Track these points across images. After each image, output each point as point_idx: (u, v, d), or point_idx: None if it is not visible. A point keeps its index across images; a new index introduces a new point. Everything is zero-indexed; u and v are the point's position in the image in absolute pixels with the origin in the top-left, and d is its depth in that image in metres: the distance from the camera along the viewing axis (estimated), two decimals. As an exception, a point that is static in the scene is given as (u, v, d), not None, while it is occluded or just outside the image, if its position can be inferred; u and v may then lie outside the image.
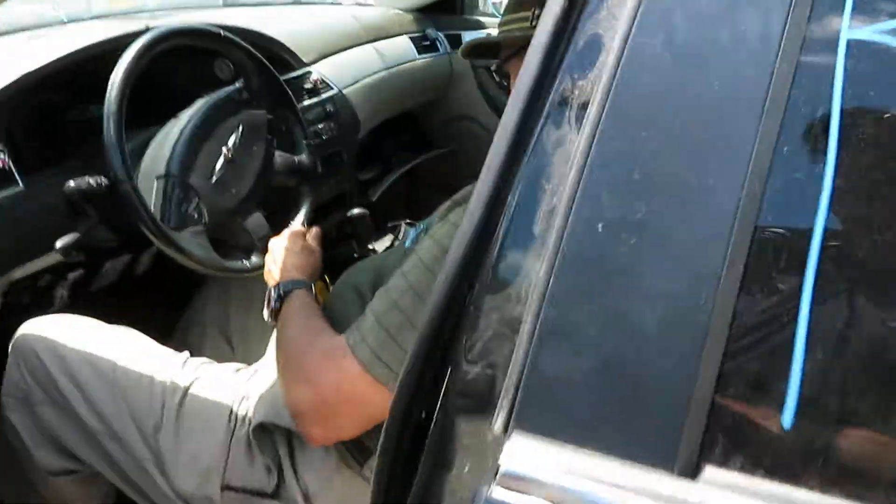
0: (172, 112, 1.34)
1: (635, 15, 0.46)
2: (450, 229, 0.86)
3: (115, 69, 1.12)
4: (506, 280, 0.49)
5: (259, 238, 1.31)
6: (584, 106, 0.46)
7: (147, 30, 1.28)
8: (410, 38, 2.23)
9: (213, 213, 1.23)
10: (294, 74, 1.72)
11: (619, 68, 0.45)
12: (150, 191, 1.19)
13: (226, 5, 2.18)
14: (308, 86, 1.74)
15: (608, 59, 0.46)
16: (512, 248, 0.48)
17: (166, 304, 1.70)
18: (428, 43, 2.27)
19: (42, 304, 1.40)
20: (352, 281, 1.07)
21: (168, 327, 1.58)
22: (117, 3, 1.82)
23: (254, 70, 1.36)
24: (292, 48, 1.74)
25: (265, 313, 1.05)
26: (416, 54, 2.21)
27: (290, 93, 1.44)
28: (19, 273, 1.21)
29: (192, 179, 1.21)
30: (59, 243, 1.15)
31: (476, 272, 0.51)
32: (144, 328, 1.80)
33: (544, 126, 0.49)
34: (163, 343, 1.59)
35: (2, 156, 1.15)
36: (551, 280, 0.44)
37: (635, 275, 0.42)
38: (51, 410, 1.09)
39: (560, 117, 0.48)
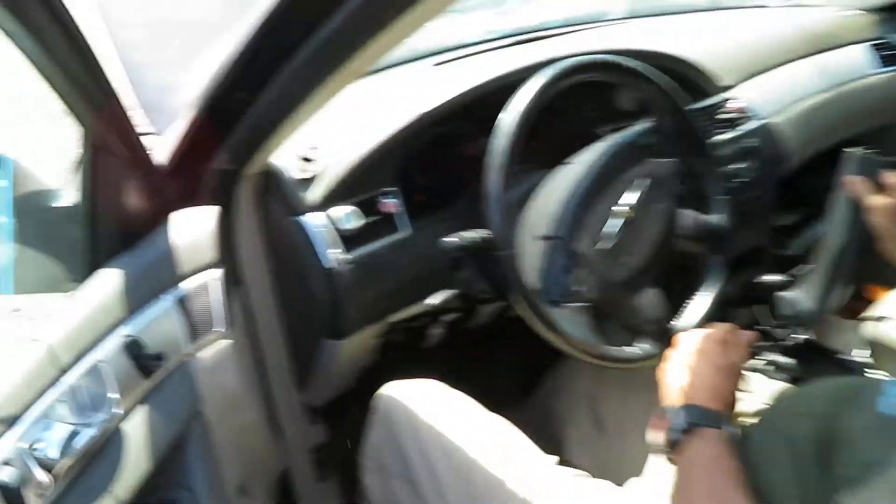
0: (562, 154, 1.16)
1: None
2: None
3: (505, 114, 0.96)
4: None
5: (650, 321, 1.05)
6: None
7: (548, 62, 1.10)
8: (869, 46, 1.71)
9: (600, 286, 1.01)
10: (708, 103, 1.41)
11: None
12: (530, 251, 1.02)
13: (630, 16, 1.93)
14: (725, 116, 1.40)
15: None
16: None
17: (538, 349, 1.56)
18: (894, 52, 1.73)
19: (417, 342, 1.36)
20: (782, 429, 0.75)
21: (536, 374, 1.43)
22: (534, 19, 1.72)
23: (666, 108, 1.10)
24: (710, 69, 1.43)
25: (653, 436, 0.79)
26: (876, 67, 1.69)
27: (705, 137, 1.13)
28: (399, 316, 1.16)
29: (580, 244, 1.00)
30: (433, 300, 1.06)
31: None
32: (512, 371, 1.71)
33: None
34: (523, 400, 1.47)
35: (394, 199, 1.09)
36: None
37: None
38: (404, 487, 1.00)
39: None
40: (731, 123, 1.41)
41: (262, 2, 0.83)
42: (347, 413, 1.33)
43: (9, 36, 0.69)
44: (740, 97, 1.45)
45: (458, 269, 1.09)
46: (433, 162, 1.25)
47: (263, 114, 0.90)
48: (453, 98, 1.16)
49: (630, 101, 1.34)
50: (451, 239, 1.02)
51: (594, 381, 1.20)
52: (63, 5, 0.69)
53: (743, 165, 1.40)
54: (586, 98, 1.31)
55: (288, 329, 1.14)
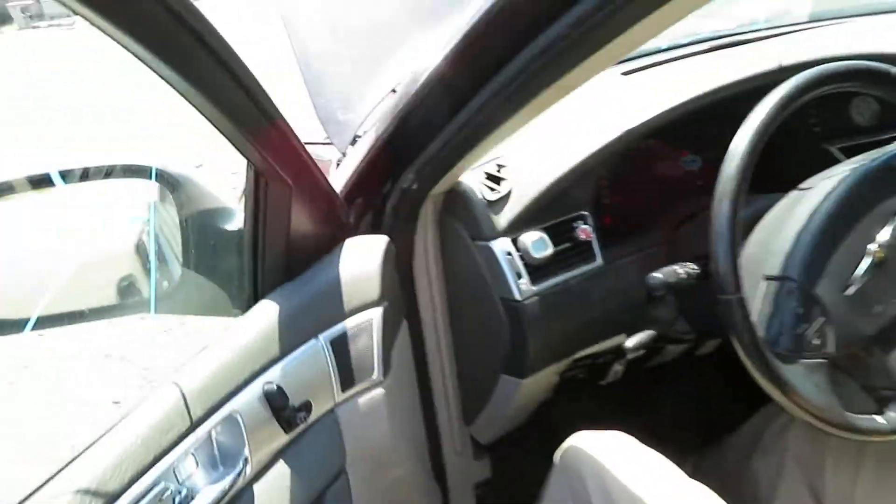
0: (787, 174, 0.98)
1: None
2: None
3: (741, 134, 0.81)
4: None
5: (905, 384, 0.85)
6: None
7: (779, 70, 0.94)
8: None
9: (842, 339, 0.82)
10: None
11: None
12: (754, 292, 0.86)
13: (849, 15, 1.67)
14: None
15: None
16: None
17: (728, 393, 1.37)
18: None
19: (596, 378, 1.23)
20: None
21: (723, 420, 1.25)
22: (733, 21, 1.53)
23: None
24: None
25: None
26: None
27: None
28: (585, 352, 1.04)
29: (820, 289, 0.82)
30: (631, 342, 0.92)
31: None
32: (695, 413, 1.53)
33: None
34: (705, 447, 1.29)
35: (586, 225, 0.97)
36: None
37: None
38: (587, 549, 0.87)
39: None
40: None
41: (463, 10, 0.74)
42: (515, 449, 1.23)
43: (148, 66, 0.58)
44: None
45: (658, 306, 0.95)
46: (628, 183, 1.11)
47: (459, 131, 0.81)
48: (662, 114, 1.02)
49: (868, 115, 1.14)
50: (657, 275, 0.88)
51: (813, 445, 1.01)
52: (209, 27, 0.57)
53: None
54: (813, 110, 1.12)
55: (460, 361, 1.05)
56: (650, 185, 1.13)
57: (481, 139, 0.83)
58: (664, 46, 1.47)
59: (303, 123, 0.90)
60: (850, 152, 1.10)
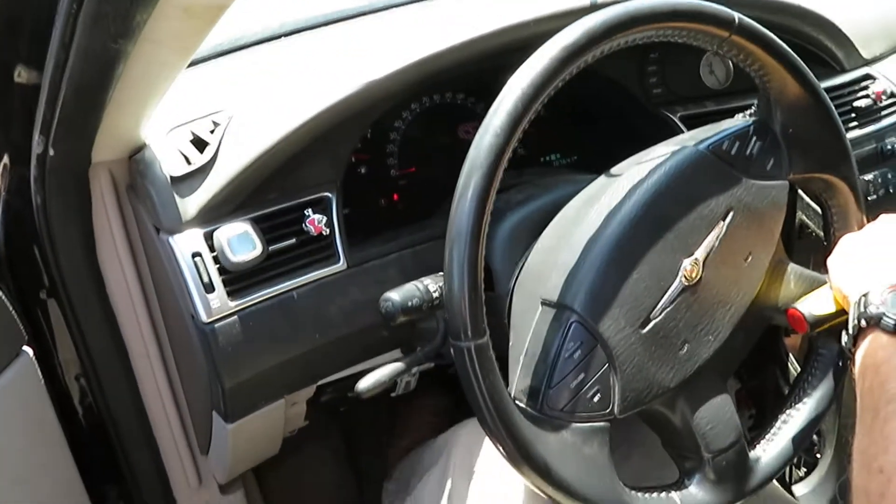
0: (602, 143, 0.71)
1: None
2: None
3: (501, 100, 0.50)
4: None
5: (715, 450, 0.60)
6: None
7: (594, 7, 0.64)
8: None
9: (633, 394, 0.56)
10: (838, 82, 0.91)
11: None
12: (529, 317, 0.58)
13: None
14: (862, 102, 0.91)
15: None
16: None
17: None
18: None
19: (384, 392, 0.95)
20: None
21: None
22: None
23: (790, 91, 0.61)
24: (850, 34, 0.91)
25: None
26: None
27: (847, 141, 0.64)
28: (335, 377, 0.75)
29: (606, 326, 0.55)
30: (362, 385, 0.63)
31: None
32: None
33: None
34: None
35: (319, 214, 0.66)
36: None
37: None
38: None
39: None
40: (867, 114, 0.91)
41: None
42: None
43: None
44: (884, 75, 0.94)
45: (425, 319, 0.67)
46: (423, 148, 0.81)
47: (58, 85, 0.49)
48: (449, 50, 0.70)
49: (723, 75, 0.86)
50: (392, 296, 0.60)
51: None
52: None
53: (873, 176, 0.91)
54: (653, 66, 0.83)
55: (184, 382, 0.76)
56: (438, 150, 0.84)
57: (103, 95, 0.51)
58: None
59: None
60: (695, 123, 0.83)
